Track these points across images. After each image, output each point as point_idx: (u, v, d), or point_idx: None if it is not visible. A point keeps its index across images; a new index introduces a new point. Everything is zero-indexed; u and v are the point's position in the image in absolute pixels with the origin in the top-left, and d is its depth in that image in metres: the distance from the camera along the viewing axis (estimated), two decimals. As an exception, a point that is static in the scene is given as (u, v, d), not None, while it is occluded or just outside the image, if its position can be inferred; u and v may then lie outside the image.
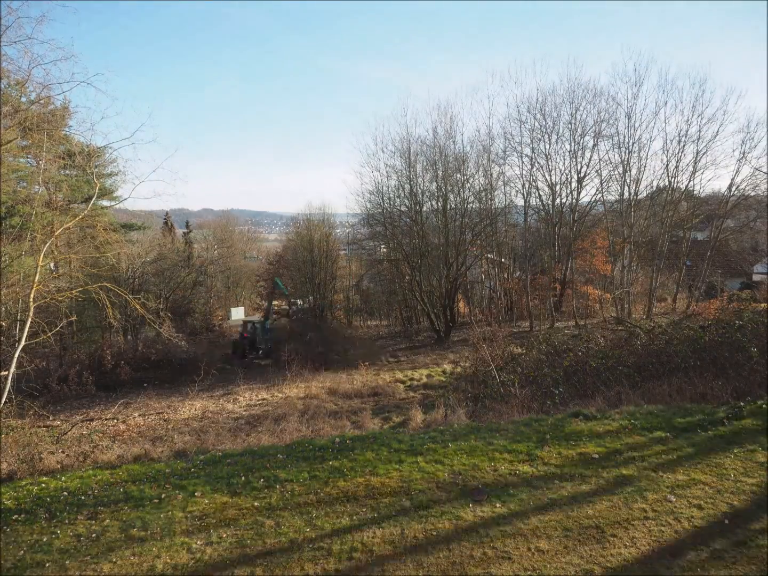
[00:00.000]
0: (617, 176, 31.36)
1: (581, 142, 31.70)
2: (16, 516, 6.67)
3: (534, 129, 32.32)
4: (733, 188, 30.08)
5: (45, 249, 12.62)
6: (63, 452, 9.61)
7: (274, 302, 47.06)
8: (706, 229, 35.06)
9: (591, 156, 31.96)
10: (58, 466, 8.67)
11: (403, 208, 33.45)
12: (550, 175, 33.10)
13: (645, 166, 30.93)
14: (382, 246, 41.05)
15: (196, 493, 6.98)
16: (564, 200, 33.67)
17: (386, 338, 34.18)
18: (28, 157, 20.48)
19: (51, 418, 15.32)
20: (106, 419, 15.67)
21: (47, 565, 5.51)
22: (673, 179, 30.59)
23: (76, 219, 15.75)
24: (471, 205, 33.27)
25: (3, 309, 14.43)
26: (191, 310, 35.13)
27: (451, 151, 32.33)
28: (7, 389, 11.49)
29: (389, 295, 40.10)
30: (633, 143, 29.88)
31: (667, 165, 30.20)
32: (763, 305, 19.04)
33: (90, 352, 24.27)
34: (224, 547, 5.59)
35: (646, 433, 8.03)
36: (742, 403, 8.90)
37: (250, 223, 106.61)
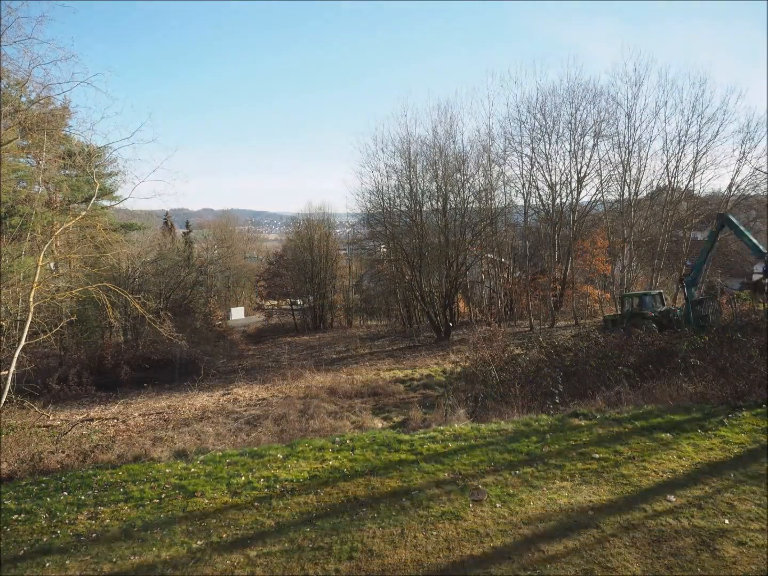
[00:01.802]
0: (617, 176, 31.43)
1: (581, 142, 31.78)
2: (16, 516, 6.67)
3: (534, 129, 32.42)
4: (733, 188, 30.10)
5: (45, 249, 12.65)
6: (63, 452, 9.61)
7: (274, 302, 46.71)
8: (706, 229, 35.03)
9: (591, 156, 32.05)
10: (58, 466, 8.67)
11: (403, 208, 33.48)
12: (550, 175, 33.17)
13: (645, 166, 31.03)
14: (382, 246, 41.03)
15: (196, 493, 6.98)
16: (564, 200, 33.74)
17: (386, 337, 34.19)
18: (28, 157, 20.51)
19: (51, 418, 15.32)
20: (106, 419, 15.66)
21: (47, 565, 5.51)
22: (673, 179, 30.65)
23: (76, 219, 15.79)
24: (471, 205, 33.32)
25: (3, 309, 14.42)
26: (191, 310, 35.14)
27: (451, 151, 32.40)
28: (7, 389, 11.51)
29: (389, 295, 40.13)
30: (633, 143, 29.96)
31: (667, 165, 30.26)
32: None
33: (90, 352, 24.28)
34: (224, 547, 5.59)
35: (646, 433, 8.02)
36: (742, 403, 8.90)
37: (250, 223, 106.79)
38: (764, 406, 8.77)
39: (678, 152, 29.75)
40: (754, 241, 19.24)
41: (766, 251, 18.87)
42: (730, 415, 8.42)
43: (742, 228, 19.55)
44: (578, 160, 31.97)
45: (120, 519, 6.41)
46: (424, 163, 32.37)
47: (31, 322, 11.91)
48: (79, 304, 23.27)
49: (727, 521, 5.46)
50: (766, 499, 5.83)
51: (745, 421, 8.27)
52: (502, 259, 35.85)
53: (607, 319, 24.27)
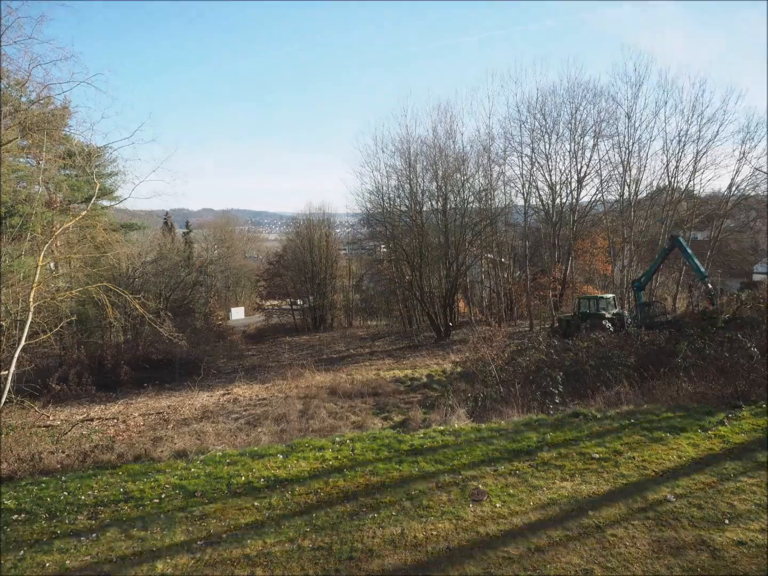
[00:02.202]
0: (617, 176, 31.39)
1: (581, 142, 31.76)
2: (16, 516, 6.67)
3: (534, 129, 32.36)
4: (733, 188, 30.04)
5: (45, 249, 12.65)
6: (63, 452, 9.60)
7: (274, 302, 46.57)
8: (706, 229, 35.02)
9: (591, 156, 32.04)
10: (58, 466, 8.67)
11: (403, 208, 33.47)
12: (550, 175, 33.16)
13: (645, 166, 30.94)
14: (382, 246, 41.01)
15: (196, 493, 6.99)
16: (564, 200, 33.73)
17: (386, 337, 34.19)
18: (28, 157, 20.51)
19: (51, 418, 15.32)
20: (106, 419, 15.66)
21: (47, 565, 5.51)
22: (673, 179, 30.58)
23: (76, 219, 15.81)
24: (471, 205, 33.30)
25: (3, 309, 14.42)
26: (191, 310, 35.13)
27: (451, 151, 32.38)
28: (7, 389, 11.50)
29: (389, 294, 40.10)
30: (633, 143, 29.88)
31: (667, 165, 30.20)
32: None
33: (90, 352, 24.25)
34: (224, 547, 5.59)
35: (646, 433, 8.02)
36: (742, 403, 8.91)
37: (250, 223, 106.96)
38: (764, 405, 8.77)
39: (678, 152, 29.72)
40: (698, 263, 22.44)
41: (706, 274, 22.12)
42: (730, 415, 8.43)
43: (689, 251, 22.65)
44: (578, 160, 32.00)
45: (120, 519, 6.41)
46: (424, 163, 32.38)
47: (31, 322, 11.91)
48: (79, 304, 23.27)
49: (727, 521, 5.47)
50: (766, 499, 5.83)
51: (745, 420, 8.27)
52: (502, 259, 35.83)
53: (561, 320, 24.91)
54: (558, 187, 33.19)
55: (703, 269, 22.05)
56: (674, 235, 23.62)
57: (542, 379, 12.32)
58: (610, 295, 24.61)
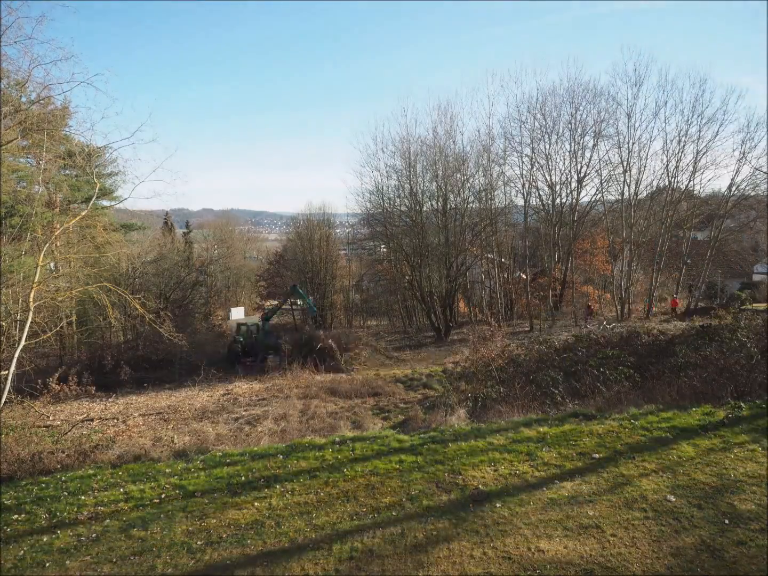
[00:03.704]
0: (617, 176, 31.46)
1: (581, 142, 31.85)
2: (16, 516, 6.68)
3: (534, 129, 32.43)
4: (733, 188, 30.09)
5: (45, 249, 12.64)
6: (63, 452, 9.60)
7: (274, 302, 46.67)
8: (706, 229, 35.03)
9: (591, 156, 32.12)
10: (58, 466, 8.67)
11: (403, 208, 33.50)
12: (550, 175, 33.24)
13: (645, 166, 31.03)
14: (382, 246, 41.05)
15: (196, 493, 6.99)
16: (564, 200, 33.82)
17: (386, 337, 34.18)
18: (28, 157, 20.51)
19: (51, 418, 15.31)
20: (106, 419, 15.65)
21: (47, 565, 5.51)
22: (673, 179, 30.63)
23: (76, 219, 15.81)
24: (471, 205, 33.34)
25: (3, 309, 14.42)
26: (191, 310, 35.10)
27: (451, 151, 32.42)
28: (7, 389, 11.50)
29: (389, 294, 40.13)
30: (633, 143, 29.94)
31: (667, 165, 30.25)
32: (763, 305, 19.03)
33: (90, 352, 24.26)
34: (224, 547, 5.59)
35: (646, 433, 8.02)
36: (742, 403, 8.90)
37: (250, 223, 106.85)
38: (764, 405, 8.77)
39: (678, 152, 29.77)
40: (302, 292, 29.13)
41: (315, 310, 28.12)
42: (730, 415, 8.42)
43: (301, 292, 29.21)
44: (578, 160, 32.10)
45: (120, 519, 6.41)
46: (424, 163, 32.42)
47: (31, 322, 11.91)
48: (79, 304, 23.27)
49: (727, 521, 5.47)
50: (766, 499, 5.83)
51: (746, 421, 8.27)
52: (502, 259, 35.85)
53: (230, 347, 26.32)
54: (558, 187, 33.32)
55: (314, 307, 28.05)
56: (293, 285, 28.73)
57: (542, 379, 12.31)
58: (252, 323, 26.80)
